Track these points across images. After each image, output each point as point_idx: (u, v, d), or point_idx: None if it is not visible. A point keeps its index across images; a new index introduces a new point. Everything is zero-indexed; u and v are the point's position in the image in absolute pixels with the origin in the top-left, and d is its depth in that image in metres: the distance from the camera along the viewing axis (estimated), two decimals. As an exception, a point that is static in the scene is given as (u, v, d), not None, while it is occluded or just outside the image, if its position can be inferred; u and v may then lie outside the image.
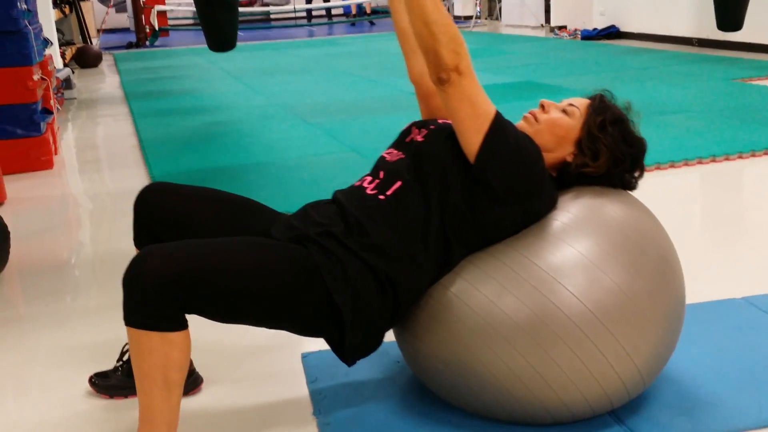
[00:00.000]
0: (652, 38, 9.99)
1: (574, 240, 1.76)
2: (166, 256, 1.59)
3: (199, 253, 1.63)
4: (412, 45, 2.01)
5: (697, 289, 2.58)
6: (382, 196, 1.81)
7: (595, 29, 10.85)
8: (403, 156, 1.88)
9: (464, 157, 1.76)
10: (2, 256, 2.98)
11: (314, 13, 17.01)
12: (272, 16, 16.83)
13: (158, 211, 1.91)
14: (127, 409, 2.02)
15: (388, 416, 1.91)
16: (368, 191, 1.84)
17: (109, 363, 2.21)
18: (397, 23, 2.07)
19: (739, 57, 8.02)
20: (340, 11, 17.46)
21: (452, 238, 1.79)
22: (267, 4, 16.53)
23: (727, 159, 4.21)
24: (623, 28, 10.65)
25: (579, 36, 11.07)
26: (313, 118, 5.87)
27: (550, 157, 1.87)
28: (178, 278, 1.56)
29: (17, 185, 4.44)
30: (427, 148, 1.84)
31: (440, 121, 1.95)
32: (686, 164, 4.14)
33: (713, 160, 4.19)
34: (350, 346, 1.74)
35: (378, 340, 1.80)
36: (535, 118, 1.90)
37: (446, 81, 1.70)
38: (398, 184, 1.81)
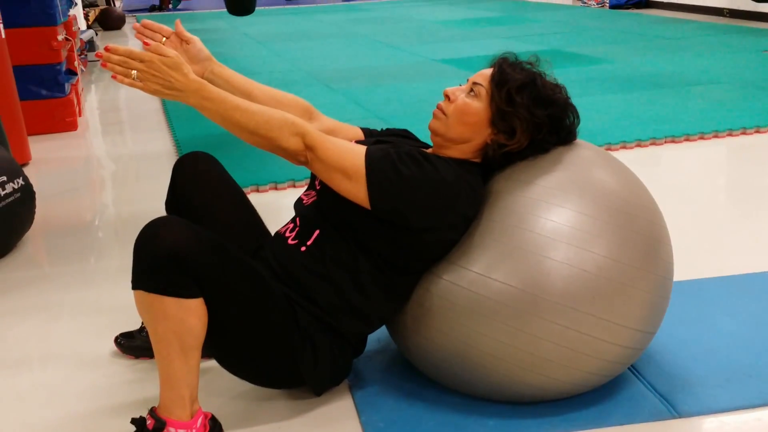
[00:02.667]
0: (682, 8, 9.81)
1: (555, 214, 1.67)
2: (188, 230, 1.56)
3: (218, 246, 1.60)
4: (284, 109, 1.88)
5: (729, 262, 2.56)
6: (303, 247, 1.76)
7: (623, -2, 10.68)
8: (316, 198, 1.82)
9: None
10: (27, 216, 2.98)
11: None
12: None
13: (188, 188, 1.93)
14: (153, 370, 2.02)
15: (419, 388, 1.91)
16: (289, 241, 1.80)
17: (132, 323, 2.21)
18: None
19: (770, 28, 7.87)
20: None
21: (391, 274, 1.74)
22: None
23: (757, 131, 4.13)
24: (652, -2, 10.47)
25: (607, 5, 10.89)
26: (337, 84, 5.82)
27: (471, 146, 1.78)
28: (194, 255, 1.54)
29: (41, 146, 4.45)
30: (327, 199, 1.76)
31: None
32: (716, 136, 4.07)
33: (744, 132, 4.12)
34: (317, 388, 1.81)
35: (346, 372, 1.84)
36: (443, 112, 1.79)
37: (307, 161, 1.69)
38: (317, 232, 1.76)
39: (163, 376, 1.61)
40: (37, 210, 3.06)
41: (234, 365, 1.75)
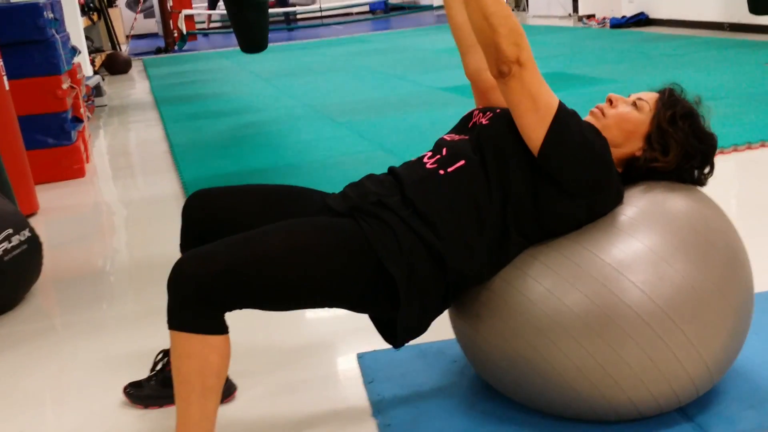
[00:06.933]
0: (682, 24, 9.83)
1: (641, 234, 1.72)
2: (203, 257, 1.60)
3: (236, 248, 1.62)
4: (468, 40, 1.97)
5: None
6: (442, 171, 1.78)
7: (624, 17, 10.71)
8: (466, 138, 1.85)
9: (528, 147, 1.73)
10: (35, 267, 2.99)
11: (331, 12, 16.85)
12: (298, 16, 16.83)
13: (204, 215, 1.91)
14: (162, 419, 2.02)
15: (450, 415, 1.90)
16: (428, 165, 1.81)
17: (144, 371, 2.20)
18: (452, 18, 2.00)
19: (772, 40, 7.87)
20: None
21: (512, 227, 1.75)
22: (293, 5, 16.54)
23: (763, 146, 4.12)
24: (652, 15, 10.49)
25: (608, 24, 10.93)
26: (341, 118, 5.86)
27: (618, 153, 1.84)
28: (218, 277, 1.57)
29: (49, 194, 4.48)
30: (491, 131, 1.80)
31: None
32: (721, 152, 4.05)
33: (749, 147, 4.11)
34: (402, 322, 1.71)
35: (428, 321, 1.78)
36: (603, 113, 1.86)
37: (507, 74, 1.67)
38: (461, 162, 1.78)
39: (179, 419, 1.62)
40: (45, 259, 3.07)
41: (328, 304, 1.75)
